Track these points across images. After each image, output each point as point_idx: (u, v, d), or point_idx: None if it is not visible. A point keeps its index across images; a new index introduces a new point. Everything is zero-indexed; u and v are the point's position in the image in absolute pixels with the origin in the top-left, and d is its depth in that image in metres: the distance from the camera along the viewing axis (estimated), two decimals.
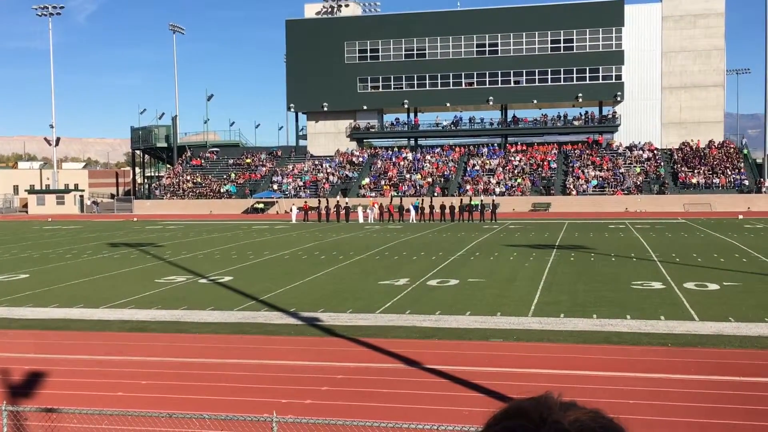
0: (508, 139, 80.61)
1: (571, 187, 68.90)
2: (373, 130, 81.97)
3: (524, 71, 76.36)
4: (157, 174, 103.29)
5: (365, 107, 79.89)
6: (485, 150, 77.94)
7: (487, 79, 77.29)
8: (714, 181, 67.30)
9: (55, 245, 39.93)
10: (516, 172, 72.71)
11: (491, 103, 77.68)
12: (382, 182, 73.59)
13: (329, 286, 23.07)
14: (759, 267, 25.94)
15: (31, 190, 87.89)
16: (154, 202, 77.72)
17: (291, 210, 60.54)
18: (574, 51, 75.11)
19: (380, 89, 79.66)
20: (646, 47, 74.70)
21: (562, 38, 75.40)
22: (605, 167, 71.34)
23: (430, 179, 72.89)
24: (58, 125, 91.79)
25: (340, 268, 27.81)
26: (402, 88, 79.14)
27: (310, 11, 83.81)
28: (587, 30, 74.76)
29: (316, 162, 79.56)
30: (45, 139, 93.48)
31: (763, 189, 65.65)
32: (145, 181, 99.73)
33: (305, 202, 63.02)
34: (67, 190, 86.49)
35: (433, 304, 19.50)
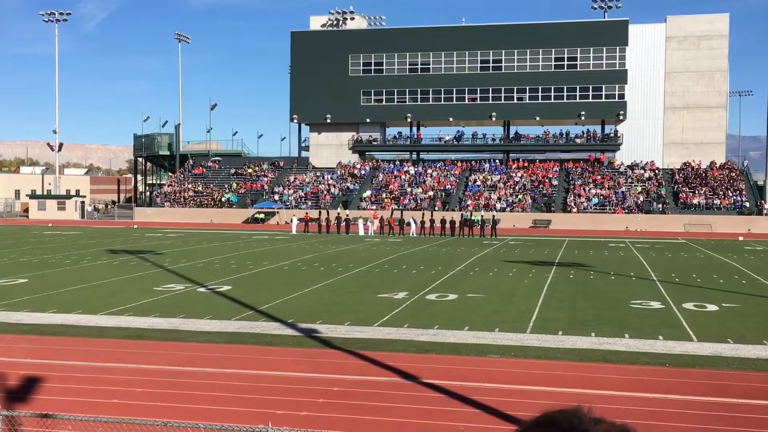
0: (510, 155, 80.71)
1: (572, 204, 68.93)
2: (375, 143, 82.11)
3: (527, 88, 76.56)
4: (158, 182, 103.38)
5: (368, 120, 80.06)
6: (487, 165, 78.04)
7: (490, 95, 77.49)
8: (715, 202, 67.32)
9: (55, 251, 39.93)
10: (517, 188, 72.77)
11: (494, 119, 77.81)
12: (383, 195, 73.65)
13: (328, 298, 23.04)
14: (758, 289, 25.91)
15: (33, 195, 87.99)
16: (155, 209, 77.76)
17: (291, 221, 60.56)
18: (578, 69, 75.33)
19: (383, 102, 79.86)
20: (649, 67, 74.95)
21: (565, 56, 75.64)
22: (606, 185, 71.40)
23: (431, 193, 72.94)
24: (61, 131, 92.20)
25: (339, 280, 27.79)
26: (405, 102, 79.32)
27: (316, 23, 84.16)
28: (591, 48, 75.00)
29: (318, 173, 79.66)
30: (48, 144, 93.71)
31: (764, 211, 65.63)
32: (147, 188, 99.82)
33: (306, 213, 63.04)
34: (68, 196, 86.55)
35: (431, 318, 19.48)
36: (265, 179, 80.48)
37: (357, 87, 79.73)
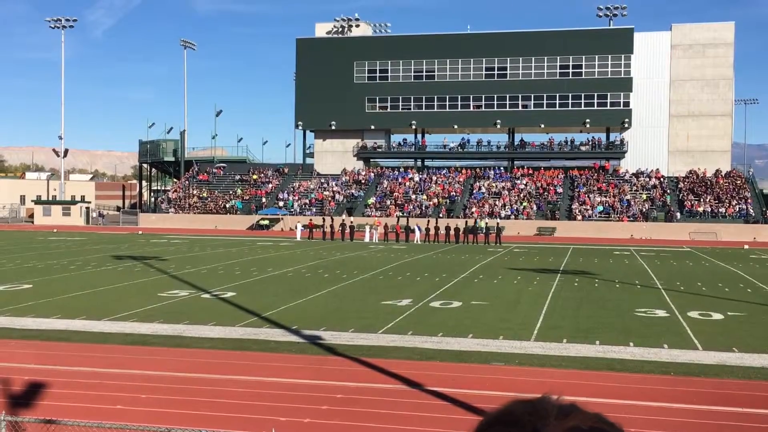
0: (515, 162, 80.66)
1: (577, 212, 68.83)
2: (380, 150, 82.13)
3: (532, 95, 76.58)
4: (163, 188, 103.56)
5: (373, 127, 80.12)
6: (491, 173, 78.02)
7: (495, 102, 77.51)
8: (720, 210, 67.17)
9: (60, 256, 39.99)
10: (522, 195, 72.71)
11: (498, 126, 77.83)
12: (388, 202, 73.64)
13: (332, 305, 23.03)
14: (764, 298, 25.82)
15: (38, 201, 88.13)
16: (160, 215, 77.83)
17: (296, 227, 60.57)
18: (583, 77, 75.34)
19: (388, 109, 79.93)
20: (654, 75, 74.90)
21: (570, 64, 75.67)
22: (611, 193, 71.31)
23: (435, 200, 72.92)
24: (66, 137, 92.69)
25: (344, 286, 27.77)
26: (410, 108, 79.40)
27: (321, 30, 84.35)
28: (596, 56, 75.02)
29: (323, 180, 79.70)
30: (53, 150, 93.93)
31: None
32: (152, 194, 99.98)
33: (310, 219, 63.08)
34: (73, 202, 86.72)
35: (435, 325, 19.45)
36: (270, 186, 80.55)
37: (362, 94, 79.84)
